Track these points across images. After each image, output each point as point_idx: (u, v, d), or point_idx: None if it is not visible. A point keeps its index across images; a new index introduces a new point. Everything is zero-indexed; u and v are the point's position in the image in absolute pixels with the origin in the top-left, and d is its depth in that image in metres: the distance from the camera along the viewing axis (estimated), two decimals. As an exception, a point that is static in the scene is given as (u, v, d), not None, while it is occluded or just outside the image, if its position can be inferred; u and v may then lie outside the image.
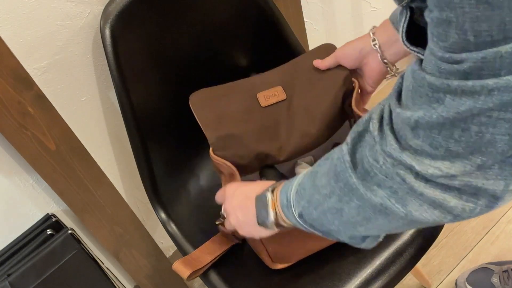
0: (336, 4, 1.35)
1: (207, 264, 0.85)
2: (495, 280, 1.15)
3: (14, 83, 0.80)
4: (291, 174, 0.86)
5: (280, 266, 0.82)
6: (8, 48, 0.78)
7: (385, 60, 0.75)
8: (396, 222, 0.49)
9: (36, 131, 0.86)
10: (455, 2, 0.35)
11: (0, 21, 0.78)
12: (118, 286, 1.12)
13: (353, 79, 0.82)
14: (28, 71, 0.84)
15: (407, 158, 0.44)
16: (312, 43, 1.36)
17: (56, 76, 0.89)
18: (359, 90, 0.82)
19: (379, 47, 0.74)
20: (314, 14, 1.31)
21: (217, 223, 0.82)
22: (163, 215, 0.97)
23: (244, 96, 0.84)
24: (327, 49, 0.88)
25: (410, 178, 0.44)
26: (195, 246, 0.93)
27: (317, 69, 0.85)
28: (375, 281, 0.80)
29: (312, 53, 0.89)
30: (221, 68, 1.00)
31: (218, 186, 1.03)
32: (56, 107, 0.90)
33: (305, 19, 1.29)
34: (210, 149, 0.78)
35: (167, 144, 0.97)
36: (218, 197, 0.78)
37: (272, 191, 0.64)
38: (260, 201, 0.64)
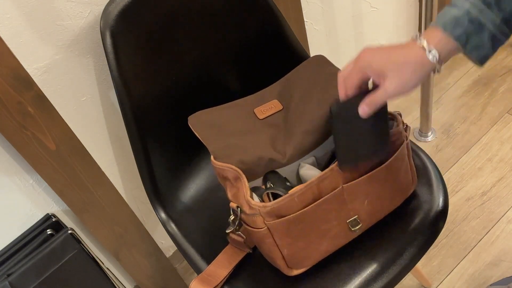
0: (336, 4, 1.36)
1: (223, 279, 0.84)
2: None
3: (14, 83, 0.80)
4: (294, 177, 0.86)
5: (296, 272, 0.81)
6: (8, 48, 0.79)
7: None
8: None
9: (36, 131, 0.86)
10: None
11: (0, 21, 0.78)
12: (118, 286, 1.12)
13: None
14: (28, 71, 0.84)
15: None
16: (312, 43, 1.36)
17: (56, 76, 0.89)
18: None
19: (438, 60, 0.63)
20: (314, 14, 1.32)
21: (227, 231, 0.79)
22: (163, 215, 0.97)
23: (241, 113, 0.86)
24: (318, 61, 0.89)
25: None
26: (195, 246, 0.93)
27: (311, 78, 0.86)
28: (375, 281, 0.80)
29: (303, 66, 0.89)
30: (221, 68, 1.00)
31: (218, 186, 1.04)
32: (56, 107, 0.90)
33: (305, 19, 1.29)
34: (212, 157, 0.78)
35: (167, 144, 0.97)
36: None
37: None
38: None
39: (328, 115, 0.80)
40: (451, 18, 0.61)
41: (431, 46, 0.62)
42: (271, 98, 0.88)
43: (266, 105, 0.86)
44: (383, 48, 0.66)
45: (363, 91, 0.69)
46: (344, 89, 0.70)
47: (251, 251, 0.86)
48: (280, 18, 0.98)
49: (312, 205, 0.74)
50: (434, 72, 0.65)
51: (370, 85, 0.70)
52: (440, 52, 0.62)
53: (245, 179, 0.75)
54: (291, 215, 0.73)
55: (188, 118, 0.84)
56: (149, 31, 0.87)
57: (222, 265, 0.84)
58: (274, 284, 0.83)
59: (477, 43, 0.61)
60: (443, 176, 1.24)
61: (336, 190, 0.75)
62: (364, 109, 0.68)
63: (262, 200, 0.77)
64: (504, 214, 1.35)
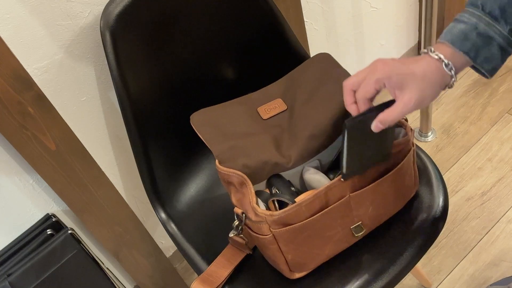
0: (336, 4, 1.36)
1: (224, 279, 0.84)
2: None
3: (14, 83, 0.81)
4: (299, 180, 0.86)
5: (298, 275, 0.81)
6: (8, 48, 0.79)
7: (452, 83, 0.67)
8: None
9: (36, 131, 0.86)
10: None
11: (0, 21, 0.78)
12: (118, 286, 1.12)
13: None
14: (28, 71, 0.84)
15: None
16: (312, 43, 1.36)
17: (56, 76, 0.89)
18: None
19: (455, 73, 0.64)
20: (314, 14, 1.32)
21: (230, 235, 0.80)
22: (163, 215, 0.97)
23: (245, 112, 0.84)
24: (324, 60, 0.88)
25: None
26: (195, 246, 0.93)
27: (317, 78, 0.85)
28: (375, 281, 0.80)
29: (309, 65, 0.89)
30: (221, 68, 1.00)
31: (218, 185, 1.04)
32: (56, 107, 0.90)
33: (305, 19, 1.29)
34: (216, 161, 0.77)
35: (167, 144, 0.97)
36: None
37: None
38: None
39: (333, 121, 0.80)
40: (459, 33, 0.62)
41: (446, 59, 0.62)
42: (275, 96, 0.87)
43: (270, 104, 0.85)
44: (398, 60, 0.65)
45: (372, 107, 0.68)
46: (352, 99, 0.69)
47: (251, 252, 0.86)
48: (280, 18, 0.98)
49: (319, 214, 0.73)
50: (445, 87, 0.65)
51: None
52: (454, 65, 0.63)
53: (251, 185, 0.73)
54: (298, 224, 0.72)
55: (190, 116, 0.84)
56: (149, 31, 0.87)
57: (223, 265, 0.84)
58: (275, 284, 0.83)
59: (487, 56, 0.62)
60: (443, 176, 1.24)
61: (343, 199, 0.75)
62: (378, 126, 0.66)
63: (268, 207, 0.77)
64: (504, 214, 1.35)
